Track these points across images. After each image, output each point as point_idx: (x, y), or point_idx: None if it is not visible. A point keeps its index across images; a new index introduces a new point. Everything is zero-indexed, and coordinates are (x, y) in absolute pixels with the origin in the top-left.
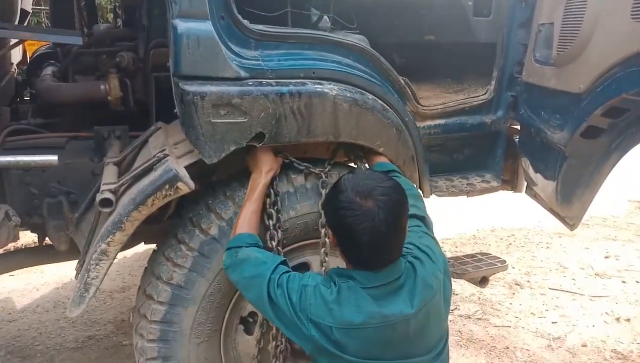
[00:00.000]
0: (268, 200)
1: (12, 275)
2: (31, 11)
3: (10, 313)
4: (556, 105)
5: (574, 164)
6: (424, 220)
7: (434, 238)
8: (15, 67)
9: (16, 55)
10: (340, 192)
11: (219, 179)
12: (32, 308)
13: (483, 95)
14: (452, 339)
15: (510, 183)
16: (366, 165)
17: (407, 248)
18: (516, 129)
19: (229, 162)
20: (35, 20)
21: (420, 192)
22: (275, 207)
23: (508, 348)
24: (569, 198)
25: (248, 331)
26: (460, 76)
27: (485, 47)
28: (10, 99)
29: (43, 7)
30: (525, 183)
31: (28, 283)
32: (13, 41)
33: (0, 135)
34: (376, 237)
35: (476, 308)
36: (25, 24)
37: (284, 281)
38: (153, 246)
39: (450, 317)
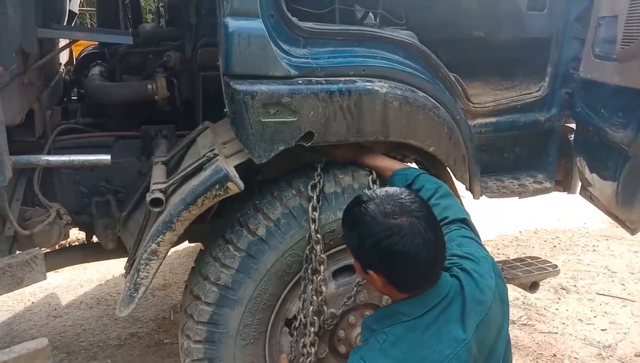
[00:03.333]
0: (311, 204)
1: (57, 272)
2: (78, 12)
3: (55, 309)
4: (619, 103)
5: (638, 165)
6: (465, 222)
7: (475, 239)
8: (63, 67)
9: (63, 55)
10: (368, 223)
11: (263, 178)
12: (76, 305)
13: (536, 92)
14: None
15: (563, 184)
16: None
17: (449, 260)
18: (571, 127)
19: (274, 162)
20: (79, 22)
21: (471, 193)
22: (316, 214)
23: (555, 355)
24: (631, 201)
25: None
26: (512, 73)
27: (539, 42)
28: (59, 98)
29: (88, 9)
30: (580, 185)
31: (72, 280)
32: (63, 42)
33: (52, 134)
34: (431, 248)
35: (521, 313)
36: (73, 25)
37: None
38: (194, 244)
39: None
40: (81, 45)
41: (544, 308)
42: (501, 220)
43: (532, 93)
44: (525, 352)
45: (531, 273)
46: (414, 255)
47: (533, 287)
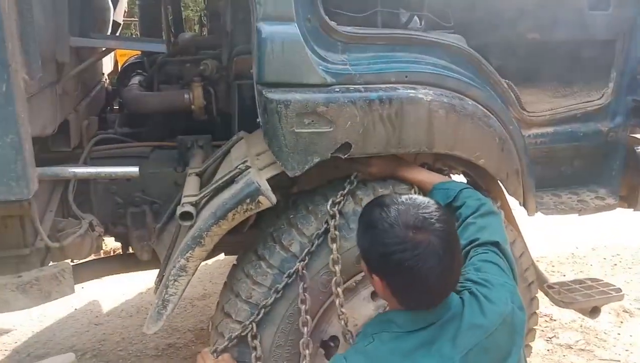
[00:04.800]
0: (333, 222)
1: (101, 279)
2: (122, 23)
3: (97, 317)
4: None
5: None
6: (497, 245)
7: (499, 265)
8: (107, 77)
9: (108, 65)
10: (385, 230)
11: (299, 191)
12: (117, 313)
13: (598, 99)
14: None
15: (628, 200)
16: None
17: (463, 284)
18: (637, 138)
19: (310, 174)
20: (129, 33)
21: (525, 209)
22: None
23: None
24: None
25: (329, 356)
26: (571, 78)
27: (602, 45)
28: (100, 108)
29: (134, 20)
30: None
31: (116, 288)
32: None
33: (88, 144)
34: (444, 272)
35: (578, 337)
36: (117, 34)
37: None
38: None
39: (548, 346)
40: (125, 55)
41: (604, 333)
42: (557, 235)
43: (593, 101)
44: None
45: (592, 297)
46: (423, 276)
47: (594, 312)
